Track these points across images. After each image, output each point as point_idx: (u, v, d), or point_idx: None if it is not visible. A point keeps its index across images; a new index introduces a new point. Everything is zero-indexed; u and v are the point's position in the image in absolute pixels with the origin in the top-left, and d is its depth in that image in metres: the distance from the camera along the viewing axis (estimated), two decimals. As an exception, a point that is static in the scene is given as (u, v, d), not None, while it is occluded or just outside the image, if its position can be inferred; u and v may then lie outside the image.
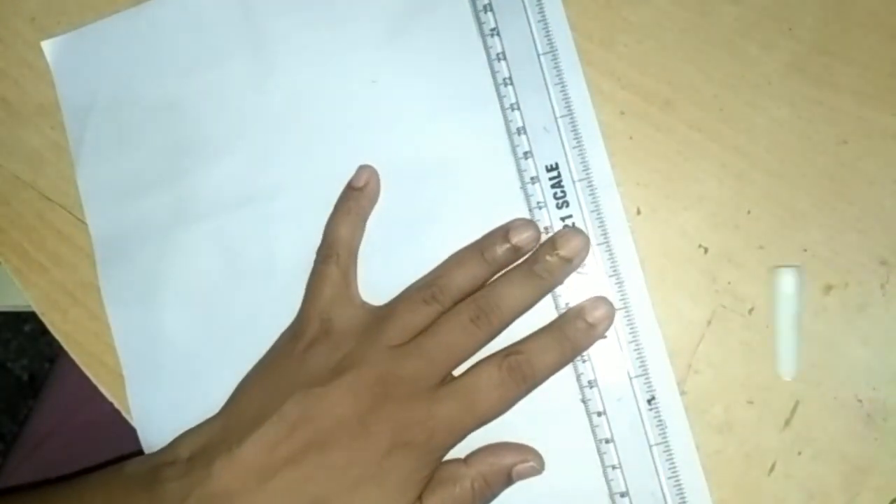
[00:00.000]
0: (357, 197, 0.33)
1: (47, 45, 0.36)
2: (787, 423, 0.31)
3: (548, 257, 0.31)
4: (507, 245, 0.31)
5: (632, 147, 0.32)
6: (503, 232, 0.31)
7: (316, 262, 0.33)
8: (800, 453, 0.30)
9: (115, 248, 0.35)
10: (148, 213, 0.35)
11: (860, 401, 0.30)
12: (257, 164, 0.34)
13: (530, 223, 0.32)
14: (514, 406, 0.30)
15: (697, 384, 0.31)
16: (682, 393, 0.31)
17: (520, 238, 0.31)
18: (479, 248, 0.31)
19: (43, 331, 0.47)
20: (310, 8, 0.35)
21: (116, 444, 0.37)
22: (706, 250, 0.32)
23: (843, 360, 0.31)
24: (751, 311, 0.31)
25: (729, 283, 0.31)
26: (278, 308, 0.33)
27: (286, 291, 0.33)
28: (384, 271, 0.33)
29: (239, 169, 0.35)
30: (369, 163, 0.34)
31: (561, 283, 0.31)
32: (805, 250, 0.31)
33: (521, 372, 0.30)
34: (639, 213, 0.32)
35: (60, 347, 0.36)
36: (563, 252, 0.31)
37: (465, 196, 0.33)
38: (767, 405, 0.31)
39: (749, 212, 0.32)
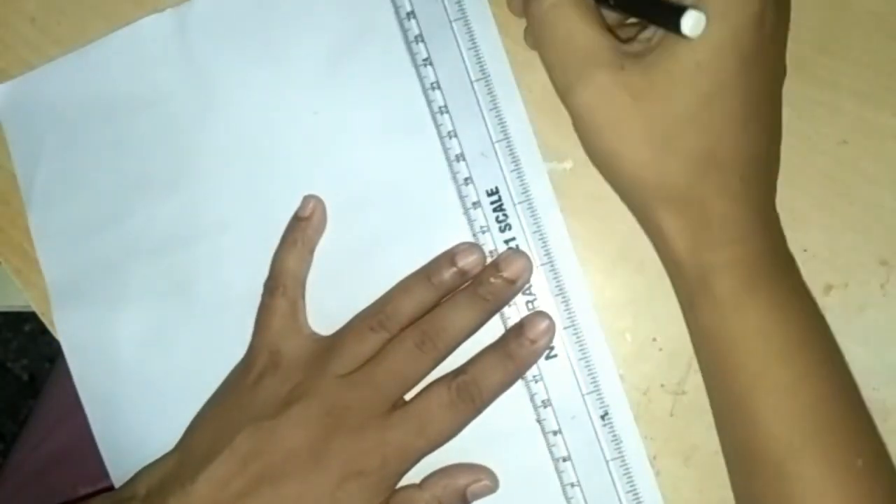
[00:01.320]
0: (304, 227, 0.33)
1: None
2: (787, 422, 0.31)
3: (492, 279, 0.31)
4: (454, 269, 0.31)
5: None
6: (449, 256, 0.32)
7: (263, 294, 0.33)
8: (800, 453, 0.30)
9: (69, 290, 0.35)
10: (100, 253, 0.35)
11: (860, 401, 0.30)
12: (204, 200, 0.35)
13: (475, 247, 0.32)
14: (465, 428, 0.30)
15: (697, 384, 0.31)
16: (682, 392, 0.31)
17: (465, 262, 0.31)
18: (425, 273, 0.32)
19: (43, 331, 0.47)
20: (249, 45, 0.35)
21: (116, 445, 0.37)
22: (706, 250, 0.32)
23: (843, 360, 0.31)
24: (751, 311, 0.31)
25: (729, 283, 0.31)
26: (232, 341, 0.33)
27: (239, 324, 0.33)
28: (333, 300, 0.33)
29: (186, 205, 0.35)
30: (314, 193, 0.34)
31: (506, 304, 0.32)
32: (805, 250, 0.31)
33: (469, 393, 0.30)
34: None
35: (60, 347, 0.36)
36: (506, 274, 0.31)
37: (409, 223, 0.33)
38: (767, 405, 0.31)
39: (749, 212, 0.31)
